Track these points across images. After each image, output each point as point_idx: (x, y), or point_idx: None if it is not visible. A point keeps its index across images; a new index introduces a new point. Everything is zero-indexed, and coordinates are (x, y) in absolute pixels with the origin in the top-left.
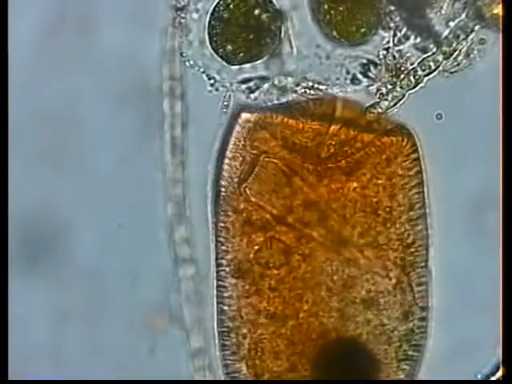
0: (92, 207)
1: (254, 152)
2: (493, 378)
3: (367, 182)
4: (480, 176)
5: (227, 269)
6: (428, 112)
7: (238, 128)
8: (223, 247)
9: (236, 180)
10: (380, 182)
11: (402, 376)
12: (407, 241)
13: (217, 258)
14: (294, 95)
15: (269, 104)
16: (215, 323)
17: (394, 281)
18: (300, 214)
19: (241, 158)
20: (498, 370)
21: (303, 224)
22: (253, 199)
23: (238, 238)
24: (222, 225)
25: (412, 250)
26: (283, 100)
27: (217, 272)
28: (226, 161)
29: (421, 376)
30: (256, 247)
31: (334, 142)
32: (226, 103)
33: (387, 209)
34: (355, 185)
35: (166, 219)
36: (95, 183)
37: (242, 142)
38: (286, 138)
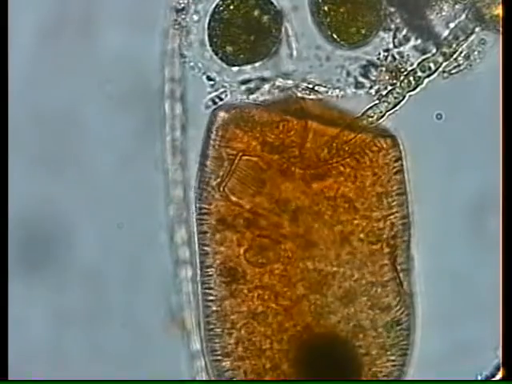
0: (92, 209)
1: (232, 151)
2: (493, 379)
3: (346, 178)
4: (480, 178)
5: (215, 272)
6: (428, 113)
7: (214, 128)
8: (208, 250)
9: (216, 181)
10: (358, 177)
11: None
12: (390, 232)
13: (202, 262)
14: (273, 94)
15: (245, 102)
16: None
17: (377, 273)
18: (278, 211)
19: (219, 159)
20: (498, 372)
21: (282, 222)
22: (233, 198)
23: (223, 240)
24: (206, 228)
25: (395, 239)
26: (261, 98)
27: (203, 276)
28: (206, 163)
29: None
30: (243, 247)
31: (313, 141)
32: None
33: (365, 204)
34: (333, 181)
35: (167, 221)
36: (95, 185)
37: (219, 143)
38: (263, 135)
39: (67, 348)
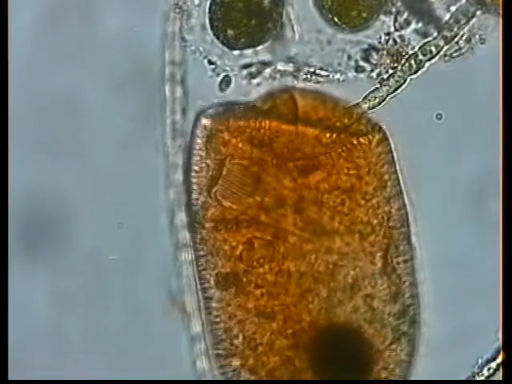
0: (93, 192)
1: (218, 157)
2: (493, 363)
3: (339, 170)
4: (480, 161)
5: (212, 281)
6: (426, 96)
7: (198, 137)
8: (204, 259)
9: (206, 188)
10: (351, 172)
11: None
12: (387, 222)
13: (200, 271)
14: (260, 94)
15: (232, 105)
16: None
17: (378, 264)
18: (273, 210)
19: (206, 167)
20: (498, 356)
21: (278, 219)
22: (225, 203)
23: (218, 247)
24: (200, 237)
25: (392, 229)
26: (246, 100)
27: (201, 284)
28: (193, 173)
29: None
30: (238, 251)
31: (301, 139)
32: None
33: (363, 195)
34: (327, 177)
35: (167, 204)
36: (96, 168)
37: (204, 151)
38: (250, 136)
39: (68, 332)
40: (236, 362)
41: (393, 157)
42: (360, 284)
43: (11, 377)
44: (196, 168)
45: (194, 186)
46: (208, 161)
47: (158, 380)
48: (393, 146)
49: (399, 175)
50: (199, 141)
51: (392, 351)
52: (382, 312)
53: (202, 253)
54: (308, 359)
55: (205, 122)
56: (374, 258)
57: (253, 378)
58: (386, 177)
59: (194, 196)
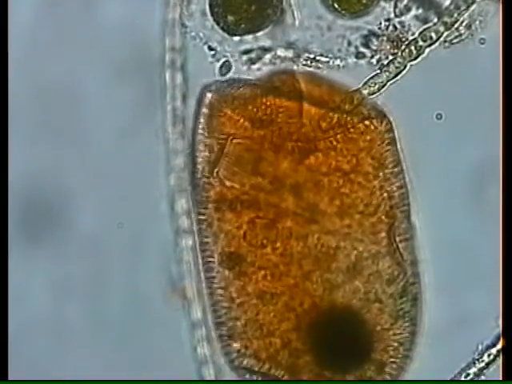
0: (93, 178)
1: (221, 136)
2: (493, 350)
3: (338, 152)
4: (480, 146)
5: (215, 260)
6: (427, 82)
7: (203, 113)
8: (207, 239)
9: (208, 168)
10: (351, 150)
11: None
12: (388, 202)
13: (203, 251)
14: (264, 72)
15: (236, 81)
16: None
17: (379, 244)
18: (275, 190)
19: (208, 146)
20: (498, 342)
21: (279, 200)
22: (227, 183)
23: (222, 226)
24: (203, 217)
25: (394, 209)
26: (250, 77)
27: (204, 264)
28: (197, 152)
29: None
30: (243, 230)
31: (304, 121)
32: None
33: (364, 175)
34: (327, 158)
35: (168, 190)
36: (96, 154)
37: (207, 130)
38: (252, 113)
39: (68, 318)
40: (238, 344)
41: (394, 139)
42: (362, 264)
43: (11, 377)
44: (199, 148)
45: (197, 166)
46: (210, 140)
47: (158, 380)
48: (395, 130)
49: (400, 157)
50: (202, 119)
51: (395, 330)
52: (384, 292)
53: (205, 233)
54: (309, 341)
55: (208, 96)
56: (376, 238)
57: (254, 361)
58: (387, 159)
59: (198, 176)
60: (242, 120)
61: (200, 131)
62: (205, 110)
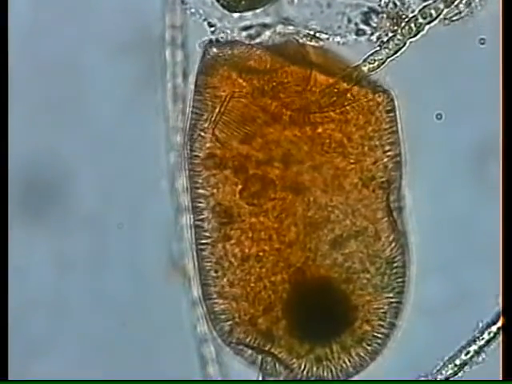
0: (93, 155)
1: (221, 93)
2: (493, 327)
3: (336, 124)
4: (480, 123)
5: (209, 214)
6: (427, 58)
7: (205, 66)
8: (202, 192)
9: (207, 125)
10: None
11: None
12: (384, 174)
13: (197, 206)
14: (274, 40)
15: (243, 41)
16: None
17: (372, 216)
18: (273, 152)
19: (209, 100)
20: (498, 320)
21: (276, 161)
22: (223, 140)
23: (217, 181)
24: (198, 173)
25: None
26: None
27: (197, 219)
28: (196, 104)
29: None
30: (238, 187)
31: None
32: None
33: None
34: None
35: (168, 168)
36: (96, 131)
37: (209, 83)
38: (257, 78)
39: (68, 295)
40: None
41: (395, 115)
42: (351, 236)
43: (11, 377)
44: (197, 104)
45: (193, 122)
46: (209, 95)
47: (158, 380)
48: (395, 105)
49: (400, 134)
50: (202, 76)
51: (383, 300)
52: (372, 262)
53: (197, 186)
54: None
55: (215, 51)
56: (375, 214)
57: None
58: (387, 135)
59: (196, 132)
60: (244, 84)
61: (201, 86)
62: (207, 66)
